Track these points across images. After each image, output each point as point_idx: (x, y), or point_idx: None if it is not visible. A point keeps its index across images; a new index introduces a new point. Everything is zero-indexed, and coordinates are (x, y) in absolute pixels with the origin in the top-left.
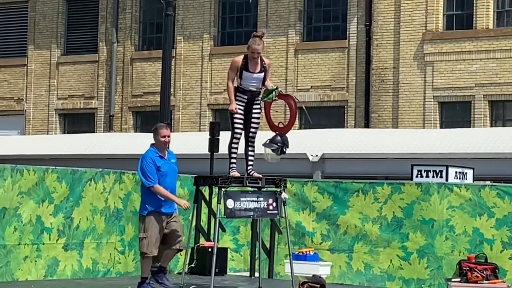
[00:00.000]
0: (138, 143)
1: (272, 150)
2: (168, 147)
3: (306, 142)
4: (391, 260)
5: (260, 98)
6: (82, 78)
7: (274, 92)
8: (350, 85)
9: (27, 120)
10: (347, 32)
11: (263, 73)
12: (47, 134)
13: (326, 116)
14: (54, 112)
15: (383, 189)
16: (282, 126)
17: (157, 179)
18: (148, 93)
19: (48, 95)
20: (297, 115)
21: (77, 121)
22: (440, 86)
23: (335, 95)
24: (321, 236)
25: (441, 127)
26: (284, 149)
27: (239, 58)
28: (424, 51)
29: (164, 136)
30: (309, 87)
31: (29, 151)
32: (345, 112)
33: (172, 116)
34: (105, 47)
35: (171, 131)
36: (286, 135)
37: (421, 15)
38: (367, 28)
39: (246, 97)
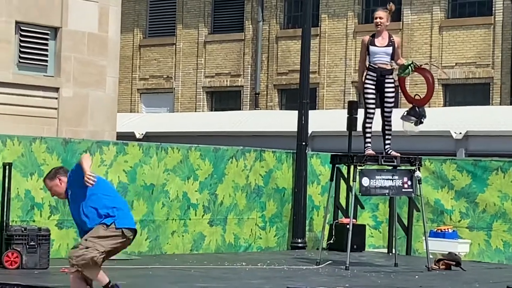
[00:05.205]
0: (282, 120)
1: (410, 122)
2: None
3: (450, 120)
4: None
5: (397, 74)
6: (229, 57)
7: (410, 67)
8: (495, 62)
9: (176, 98)
10: (493, 8)
11: (391, 47)
12: (195, 111)
13: (471, 93)
14: (201, 90)
15: None
16: (419, 98)
17: None
18: (293, 71)
19: (195, 73)
20: (434, 88)
21: (223, 99)
22: None
23: (480, 72)
24: (460, 214)
25: None
26: (422, 120)
27: (367, 36)
28: None
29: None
30: (454, 64)
31: (178, 128)
32: (491, 89)
33: (317, 93)
34: (251, 26)
35: (315, 109)
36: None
37: None
38: None
39: (375, 74)
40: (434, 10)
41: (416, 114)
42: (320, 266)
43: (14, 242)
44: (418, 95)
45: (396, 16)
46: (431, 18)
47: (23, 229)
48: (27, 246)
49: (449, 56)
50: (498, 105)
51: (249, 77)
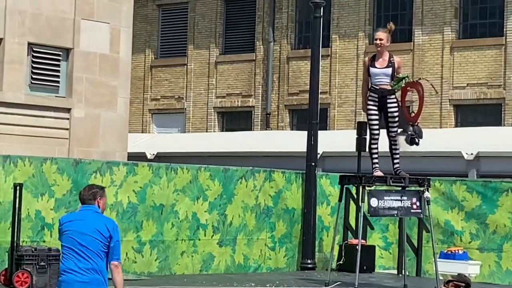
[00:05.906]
0: (293, 140)
1: (403, 137)
2: None
3: (461, 140)
4: None
5: (391, 86)
6: (240, 77)
7: (404, 80)
8: (507, 82)
9: (187, 118)
10: (504, 29)
11: (390, 68)
12: (206, 131)
13: (483, 114)
14: (212, 110)
15: None
16: (414, 114)
17: None
18: (304, 91)
19: (207, 94)
20: (424, 103)
21: (235, 119)
22: None
23: (491, 92)
24: (470, 235)
25: None
26: (416, 140)
27: (368, 58)
28: None
29: None
30: (465, 85)
31: (189, 149)
32: (502, 109)
33: (328, 114)
34: (262, 46)
35: (326, 129)
36: (419, 125)
37: None
38: None
39: (377, 95)
40: (445, 31)
41: (411, 131)
42: (329, 287)
43: (25, 262)
44: (413, 112)
45: (407, 36)
46: (442, 38)
47: (33, 249)
48: (37, 266)
49: (460, 77)
50: (510, 126)
51: (260, 98)
